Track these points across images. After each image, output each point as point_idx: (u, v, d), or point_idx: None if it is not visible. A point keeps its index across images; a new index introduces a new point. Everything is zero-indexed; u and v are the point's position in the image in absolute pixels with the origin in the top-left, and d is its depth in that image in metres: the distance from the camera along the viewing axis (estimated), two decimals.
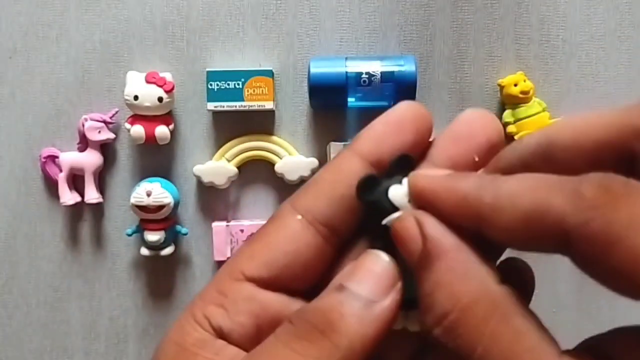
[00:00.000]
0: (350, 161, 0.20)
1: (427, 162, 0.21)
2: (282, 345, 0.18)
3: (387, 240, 0.19)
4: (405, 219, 0.18)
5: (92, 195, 0.51)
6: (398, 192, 0.19)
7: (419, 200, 0.18)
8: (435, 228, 0.18)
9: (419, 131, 0.20)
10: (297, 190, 0.21)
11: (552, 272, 0.52)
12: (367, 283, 0.18)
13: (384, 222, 0.19)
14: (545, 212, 0.15)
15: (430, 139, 0.21)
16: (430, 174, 0.19)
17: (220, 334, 0.20)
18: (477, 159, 0.20)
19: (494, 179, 0.17)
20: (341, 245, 0.21)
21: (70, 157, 0.51)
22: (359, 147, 0.20)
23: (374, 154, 0.20)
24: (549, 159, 0.17)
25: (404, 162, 0.20)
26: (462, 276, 0.17)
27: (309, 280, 0.20)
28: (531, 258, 0.55)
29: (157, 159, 0.52)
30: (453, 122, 0.21)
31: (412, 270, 0.18)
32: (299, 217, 0.20)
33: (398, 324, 0.19)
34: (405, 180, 0.19)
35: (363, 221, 0.20)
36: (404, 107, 0.21)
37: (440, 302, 0.16)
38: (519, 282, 0.18)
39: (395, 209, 0.19)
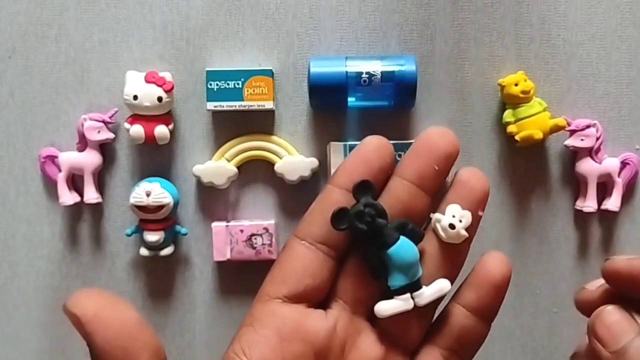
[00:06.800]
0: (332, 193, 0.26)
1: (395, 176, 0.26)
2: None
3: (371, 248, 0.26)
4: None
5: (91, 195, 0.50)
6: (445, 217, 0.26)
7: (612, 277, 0.24)
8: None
9: (382, 158, 0.26)
10: (298, 224, 0.27)
11: (553, 272, 0.52)
12: None
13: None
14: None
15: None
16: (625, 257, 0.24)
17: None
18: (437, 168, 0.26)
19: None
20: (340, 256, 0.26)
21: (70, 157, 0.50)
22: (336, 181, 0.26)
23: (348, 184, 0.26)
24: None
25: (365, 186, 0.25)
26: None
27: (320, 288, 0.26)
28: (531, 258, 0.55)
29: (156, 159, 0.52)
30: (415, 140, 0.26)
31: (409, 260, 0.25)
32: (302, 242, 0.26)
33: (411, 305, 0.26)
34: (450, 210, 0.26)
35: (351, 237, 0.26)
36: (367, 142, 0.26)
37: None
38: None
39: (362, 227, 0.25)
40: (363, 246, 0.26)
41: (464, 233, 0.26)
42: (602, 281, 0.26)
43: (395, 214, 0.26)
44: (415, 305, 0.26)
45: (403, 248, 0.25)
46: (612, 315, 0.23)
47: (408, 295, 0.25)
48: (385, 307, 0.25)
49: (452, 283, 0.26)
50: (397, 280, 0.25)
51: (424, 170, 0.26)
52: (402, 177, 0.26)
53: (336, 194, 0.26)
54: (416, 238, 0.26)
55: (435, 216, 0.26)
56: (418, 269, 0.26)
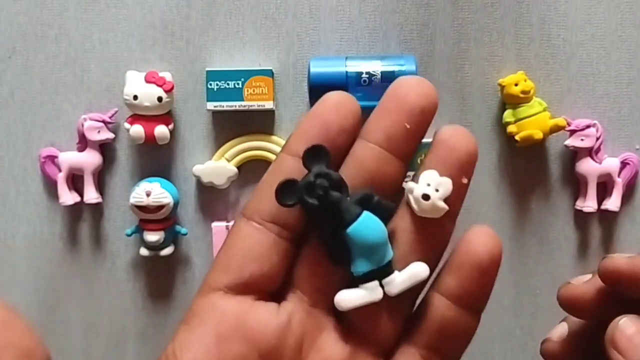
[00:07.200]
0: (284, 161, 0.22)
1: (360, 139, 0.22)
2: None
3: (327, 227, 0.21)
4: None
5: (91, 195, 0.50)
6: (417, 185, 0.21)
7: (612, 276, 0.22)
8: None
9: (342, 118, 0.22)
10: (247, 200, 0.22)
11: (553, 272, 0.52)
12: None
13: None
14: None
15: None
16: (625, 255, 0.22)
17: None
18: (408, 126, 0.21)
19: None
20: (297, 237, 0.22)
21: (70, 157, 0.50)
22: (290, 147, 0.22)
23: (302, 150, 0.21)
24: None
25: (317, 152, 0.21)
26: None
27: (271, 276, 0.21)
28: (531, 258, 0.55)
29: (156, 159, 0.52)
30: (383, 96, 0.22)
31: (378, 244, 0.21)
32: (249, 221, 0.22)
33: (379, 295, 0.21)
34: (425, 177, 0.21)
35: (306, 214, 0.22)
36: (325, 99, 0.22)
37: None
38: None
39: (313, 202, 0.20)
40: (318, 225, 0.21)
41: (442, 205, 0.21)
42: (587, 277, 0.24)
43: (359, 185, 0.21)
44: (385, 295, 0.21)
45: (365, 226, 0.21)
46: (632, 325, 0.21)
47: (376, 283, 0.21)
48: (347, 298, 0.21)
49: (433, 268, 0.22)
50: (360, 265, 0.21)
51: (394, 130, 0.21)
52: (368, 139, 0.22)
53: (289, 163, 0.21)
54: (384, 213, 0.21)
55: (408, 185, 0.22)
56: (386, 251, 0.21)
